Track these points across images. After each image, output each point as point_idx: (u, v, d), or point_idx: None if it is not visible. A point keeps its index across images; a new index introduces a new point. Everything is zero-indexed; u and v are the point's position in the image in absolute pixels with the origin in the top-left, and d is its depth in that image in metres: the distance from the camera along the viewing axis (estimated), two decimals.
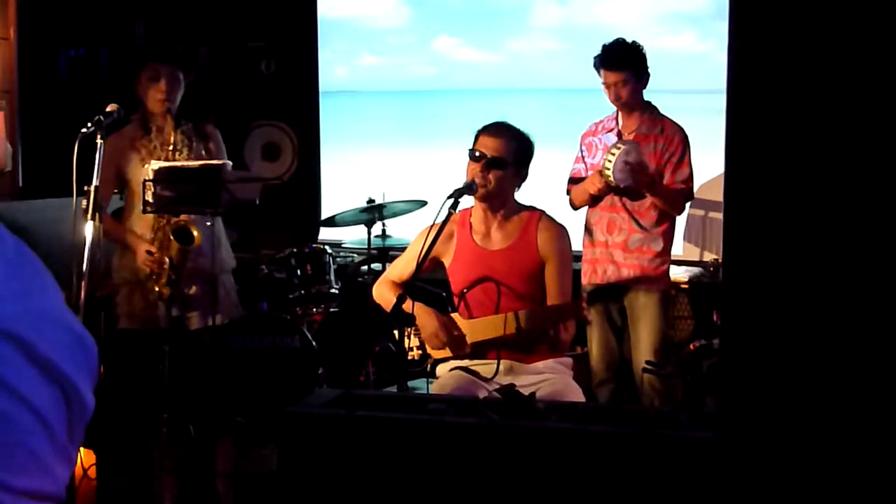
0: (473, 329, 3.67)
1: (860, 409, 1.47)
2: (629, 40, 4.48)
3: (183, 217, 3.93)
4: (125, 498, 4.29)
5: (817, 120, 1.51)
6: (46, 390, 1.00)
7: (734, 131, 1.60)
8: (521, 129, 3.77)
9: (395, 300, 3.51)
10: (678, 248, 5.23)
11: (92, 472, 3.78)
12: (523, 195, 3.89)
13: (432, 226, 3.58)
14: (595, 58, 4.48)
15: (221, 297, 4.17)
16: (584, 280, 4.63)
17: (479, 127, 3.76)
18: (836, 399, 1.48)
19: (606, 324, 4.60)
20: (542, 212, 3.79)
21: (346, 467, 2.81)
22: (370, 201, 4.89)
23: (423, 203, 4.94)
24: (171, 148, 4.00)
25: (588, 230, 4.65)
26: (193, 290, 4.09)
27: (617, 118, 4.57)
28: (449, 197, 3.58)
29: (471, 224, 3.80)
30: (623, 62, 4.41)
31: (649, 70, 4.47)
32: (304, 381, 4.49)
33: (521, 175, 3.74)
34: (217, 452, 4.19)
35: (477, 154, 3.67)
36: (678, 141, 4.41)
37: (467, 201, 3.79)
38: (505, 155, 3.65)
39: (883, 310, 1.46)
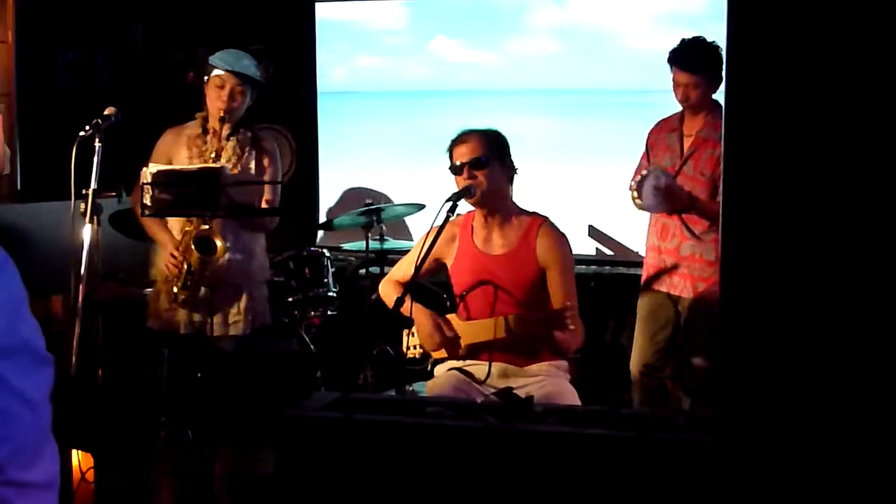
0: (467, 331, 3.69)
1: (857, 411, 1.46)
2: (709, 39, 4.26)
3: (207, 226, 3.95)
4: (123, 501, 4.28)
5: (815, 120, 1.51)
6: (38, 375, 1.01)
7: (731, 132, 1.60)
8: (485, 126, 3.79)
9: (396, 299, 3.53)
10: None
11: (90, 476, 3.77)
12: (524, 199, 3.90)
13: (433, 228, 3.60)
14: (670, 52, 4.31)
15: (247, 307, 4.15)
16: (642, 282, 4.55)
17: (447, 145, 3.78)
18: (833, 402, 1.47)
19: (649, 332, 4.50)
20: (545, 218, 3.79)
21: (344, 470, 2.80)
22: (368, 205, 4.89)
23: (422, 206, 4.94)
24: (219, 152, 4.03)
25: (648, 233, 4.55)
26: (218, 299, 4.06)
27: (681, 118, 4.41)
28: (447, 200, 3.60)
29: (472, 227, 3.82)
30: (698, 64, 4.23)
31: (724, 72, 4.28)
32: (302, 384, 4.49)
33: (506, 166, 3.76)
34: (215, 455, 4.18)
35: (457, 165, 3.70)
36: None
37: (469, 206, 3.81)
38: (481, 153, 3.68)
39: (880, 313, 1.45)
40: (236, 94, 4.08)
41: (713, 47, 4.27)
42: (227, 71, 4.06)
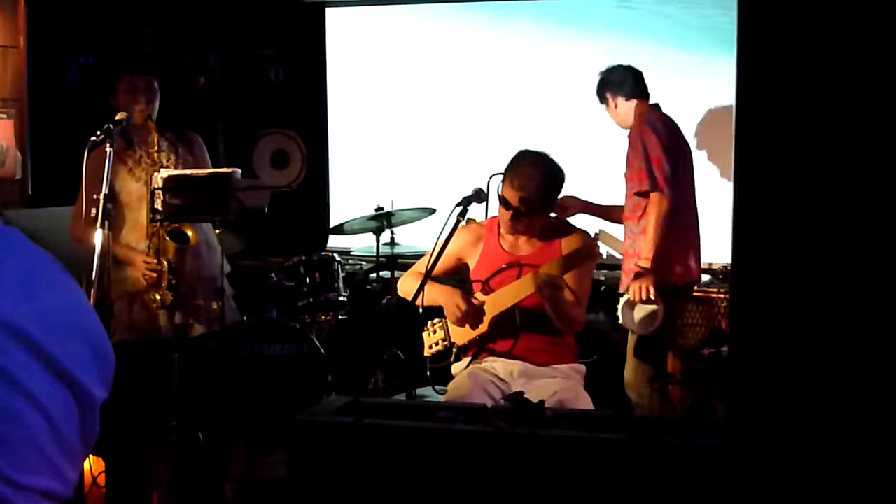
0: (493, 302, 3.73)
1: (869, 416, 1.46)
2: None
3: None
4: None
5: (827, 125, 1.51)
6: (55, 391, 0.99)
7: (741, 135, 1.60)
8: (552, 160, 3.80)
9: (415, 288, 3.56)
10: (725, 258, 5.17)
11: (101, 480, 3.78)
12: None
13: (461, 228, 3.68)
14: None
15: (224, 300, 4.15)
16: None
17: (510, 161, 3.79)
18: (845, 407, 1.47)
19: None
20: (567, 221, 3.86)
21: (355, 475, 2.81)
22: (379, 209, 4.89)
23: (432, 210, 4.93)
24: (156, 156, 4.00)
25: None
26: (197, 296, 4.07)
27: None
28: (458, 205, 3.60)
29: (500, 232, 3.84)
30: (598, 94, 4.60)
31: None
32: (312, 388, 4.49)
33: (548, 209, 3.81)
34: (226, 460, 4.18)
35: (505, 201, 3.73)
36: (638, 143, 4.40)
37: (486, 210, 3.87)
38: (532, 201, 3.70)
39: (893, 317, 1.45)
40: (150, 91, 4.04)
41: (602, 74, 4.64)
42: (135, 73, 4.03)
